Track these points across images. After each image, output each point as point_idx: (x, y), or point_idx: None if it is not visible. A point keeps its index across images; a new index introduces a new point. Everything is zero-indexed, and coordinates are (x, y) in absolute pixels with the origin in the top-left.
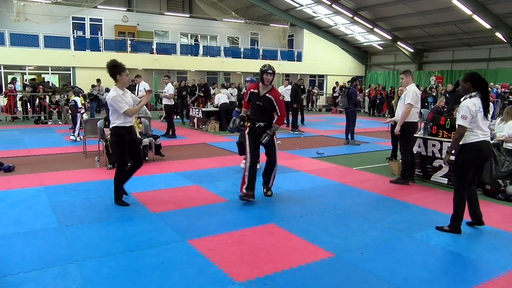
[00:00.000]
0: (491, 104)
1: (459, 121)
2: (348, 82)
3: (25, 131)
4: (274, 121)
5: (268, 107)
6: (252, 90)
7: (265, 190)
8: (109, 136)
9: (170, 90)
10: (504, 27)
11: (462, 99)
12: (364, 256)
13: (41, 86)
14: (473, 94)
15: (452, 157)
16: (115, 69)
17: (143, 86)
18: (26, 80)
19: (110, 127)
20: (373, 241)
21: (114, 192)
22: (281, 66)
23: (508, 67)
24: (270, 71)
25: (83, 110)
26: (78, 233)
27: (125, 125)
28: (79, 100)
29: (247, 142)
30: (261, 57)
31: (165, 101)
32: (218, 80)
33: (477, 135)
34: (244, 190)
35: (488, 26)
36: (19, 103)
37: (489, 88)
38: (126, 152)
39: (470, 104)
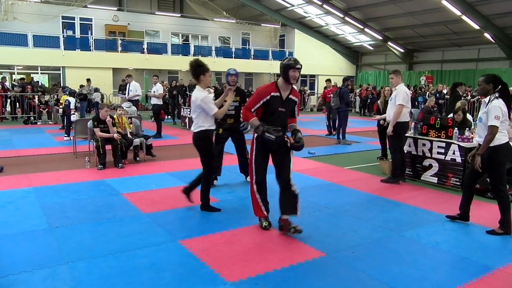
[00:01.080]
0: None
1: (492, 122)
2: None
3: (14, 132)
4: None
5: (288, 112)
6: (273, 93)
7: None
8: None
9: (159, 89)
10: (492, 28)
11: (486, 100)
12: (355, 255)
13: (29, 86)
14: (496, 95)
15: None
16: (199, 69)
17: (134, 86)
18: (14, 80)
19: (196, 130)
20: (364, 240)
21: (202, 199)
22: (273, 66)
23: (496, 67)
24: (298, 66)
25: (73, 112)
26: (68, 234)
27: (212, 128)
28: (73, 101)
29: (254, 157)
30: (252, 57)
31: (154, 101)
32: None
33: (506, 136)
34: (263, 209)
35: (476, 27)
36: (7, 103)
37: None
38: (215, 156)
39: (502, 105)
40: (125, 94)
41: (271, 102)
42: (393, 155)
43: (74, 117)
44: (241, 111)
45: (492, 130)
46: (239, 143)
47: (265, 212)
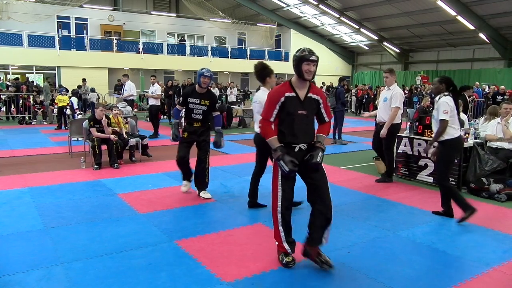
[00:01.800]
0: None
1: (442, 116)
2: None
3: (9, 132)
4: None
5: (312, 116)
6: (287, 94)
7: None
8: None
9: (157, 90)
10: (487, 28)
11: (437, 98)
12: (351, 254)
13: (24, 86)
14: (446, 93)
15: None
16: (265, 71)
17: (129, 86)
18: (8, 80)
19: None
20: (360, 239)
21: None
22: None
23: (491, 67)
24: (313, 57)
25: (78, 112)
26: (63, 235)
27: None
28: (75, 101)
29: (281, 183)
30: (248, 57)
31: (151, 102)
32: None
33: (457, 130)
34: (286, 246)
35: (471, 27)
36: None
37: (474, 87)
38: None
39: (448, 100)
40: (120, 94)
41: (287, 104)
42: (389, 156)
43: (81, 116)
44: (260, 123)
45: (442, 124)
46: (203, 150)
47: (289, 250)
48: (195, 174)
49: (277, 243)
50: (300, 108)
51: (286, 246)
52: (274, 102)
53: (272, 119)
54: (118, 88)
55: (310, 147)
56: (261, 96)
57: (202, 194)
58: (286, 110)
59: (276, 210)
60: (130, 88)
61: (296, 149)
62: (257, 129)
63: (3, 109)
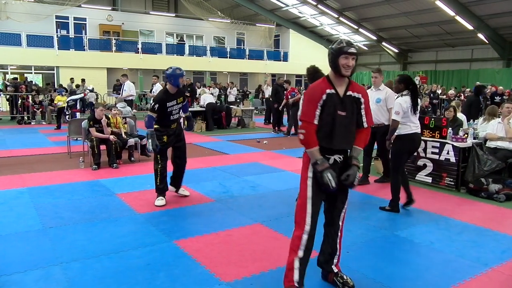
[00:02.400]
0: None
1: (393, 116)
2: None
3: (7, 132)
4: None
5: (352, 118)
6: (328, 90)
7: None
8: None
9: (159, 90)
10: (485, 29)
11: (395, 97)
12: (350, 254)
13: (23, 86)
14: (404, 93)
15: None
16: (317, 74)
17: (128, 86)
18: (7, 80)
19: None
20: (359, 239)
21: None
22: (268, 66)
23: (489, 68)
24: (352, 49)
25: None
26: (62, 235)
27: None
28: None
29: (309, 195)
30: (247, 57)
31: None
32: (205, 80)
33: (410, 127)
34: (296, 285)
35: (470, 27)
36: (6, 103)
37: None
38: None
39: (402, 102)
40: (119, 94)
41: (328, 103)
42: (385, 156)
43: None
44: (300, 128)
45: (393, 124)
46: (182, 150)
47: (296, 285)
48: (176, 175)
49: (285, 285)
50: (339, 107)
51: (296, 278)
52: (315, 100)
53: (316, 121)
54: (117, 88)
55: (345, 161)
56: None
57: (181, 191)
58: (325, 111)
59: (301, 233)
60: (129, 88)
61: (331, 161)
62: None
63: (3, 109)
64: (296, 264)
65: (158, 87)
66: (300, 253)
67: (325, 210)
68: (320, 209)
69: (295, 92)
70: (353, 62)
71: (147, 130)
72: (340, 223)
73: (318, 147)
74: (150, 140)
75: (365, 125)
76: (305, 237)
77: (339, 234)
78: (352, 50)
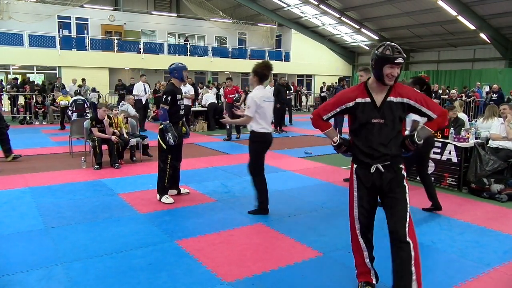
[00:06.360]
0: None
1: (413, 117)
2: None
3: (9, 132)
4: (424, 123)
5: (393, 125)
6: (359, 99)
7: None
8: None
9: (190, 91)
10: (488, 28)
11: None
12: (351, 255)
13: (27, 86)
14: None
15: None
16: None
17: (135, 86)
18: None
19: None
20: None
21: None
22: None
23: (492, 68)
24: (399, 59)
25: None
26: (64, 235)
27: None
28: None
29: (356, 209)
30: (249, 57)
31: (184, 102)
32: (206, 80)
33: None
34: (373, 278)
35: (472, 27)
36: (7, 103)
37: (475, 88)
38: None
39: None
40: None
41: (358, 111)
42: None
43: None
44: (312, 117)
45: (413, 124)
46: (180, 150)
47: (373, 277)
48: (174, 175)
49: (359, 281)
50: (375, 115)
51: (372, 272)
52: (337, 103)
53: (325, 118)
54: (118, 88)
55: (389, 168)
56: None
57: (182, 191)
58: (358, 120)
59: (355, 232)
60: (137, 89)
61: (372, 169)
62: None
63: (6, 109)
64: (367, 259)
65: (188, 88)
66: (362, 254)
67: (390, 229)
68: (368, 208)
69: (239, 93)
70: (398, 72)
71: (164, 123)
72: (407, 233)
73: (332, 128)
74: (169, 133)
75: (433, 116)
76: (359, 237)
77: (408, 243)
78: (400, 60)
